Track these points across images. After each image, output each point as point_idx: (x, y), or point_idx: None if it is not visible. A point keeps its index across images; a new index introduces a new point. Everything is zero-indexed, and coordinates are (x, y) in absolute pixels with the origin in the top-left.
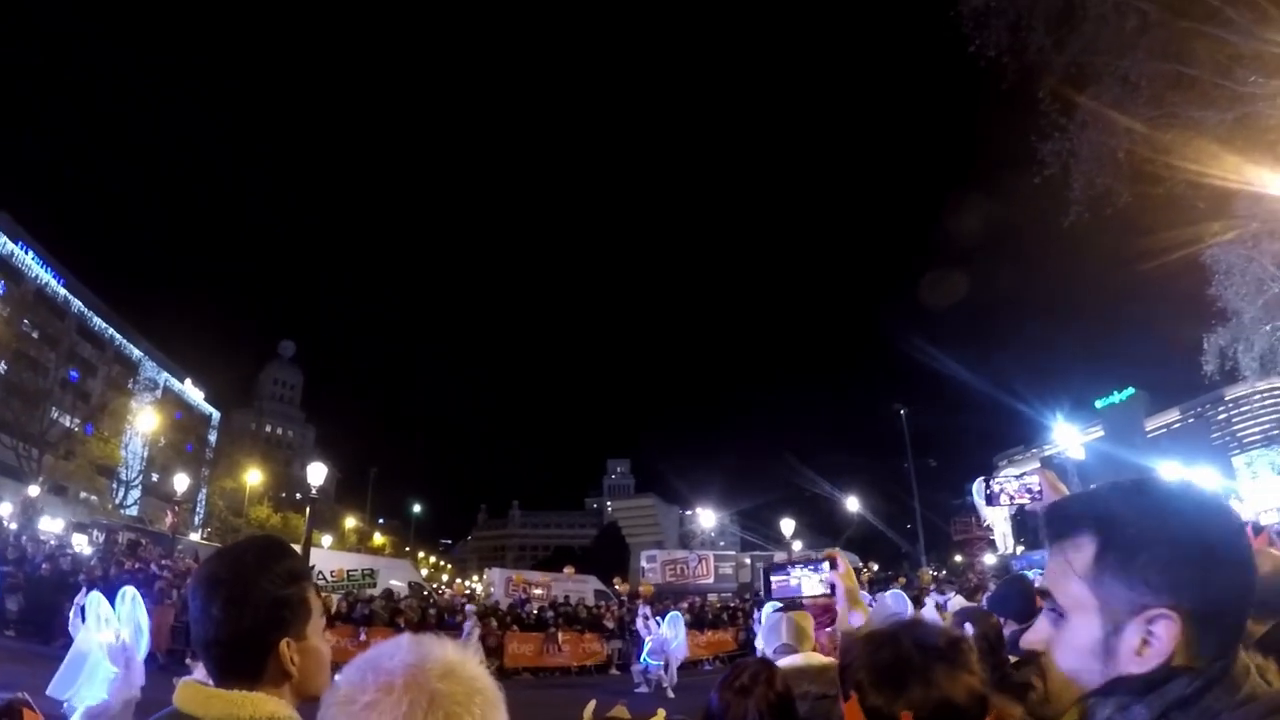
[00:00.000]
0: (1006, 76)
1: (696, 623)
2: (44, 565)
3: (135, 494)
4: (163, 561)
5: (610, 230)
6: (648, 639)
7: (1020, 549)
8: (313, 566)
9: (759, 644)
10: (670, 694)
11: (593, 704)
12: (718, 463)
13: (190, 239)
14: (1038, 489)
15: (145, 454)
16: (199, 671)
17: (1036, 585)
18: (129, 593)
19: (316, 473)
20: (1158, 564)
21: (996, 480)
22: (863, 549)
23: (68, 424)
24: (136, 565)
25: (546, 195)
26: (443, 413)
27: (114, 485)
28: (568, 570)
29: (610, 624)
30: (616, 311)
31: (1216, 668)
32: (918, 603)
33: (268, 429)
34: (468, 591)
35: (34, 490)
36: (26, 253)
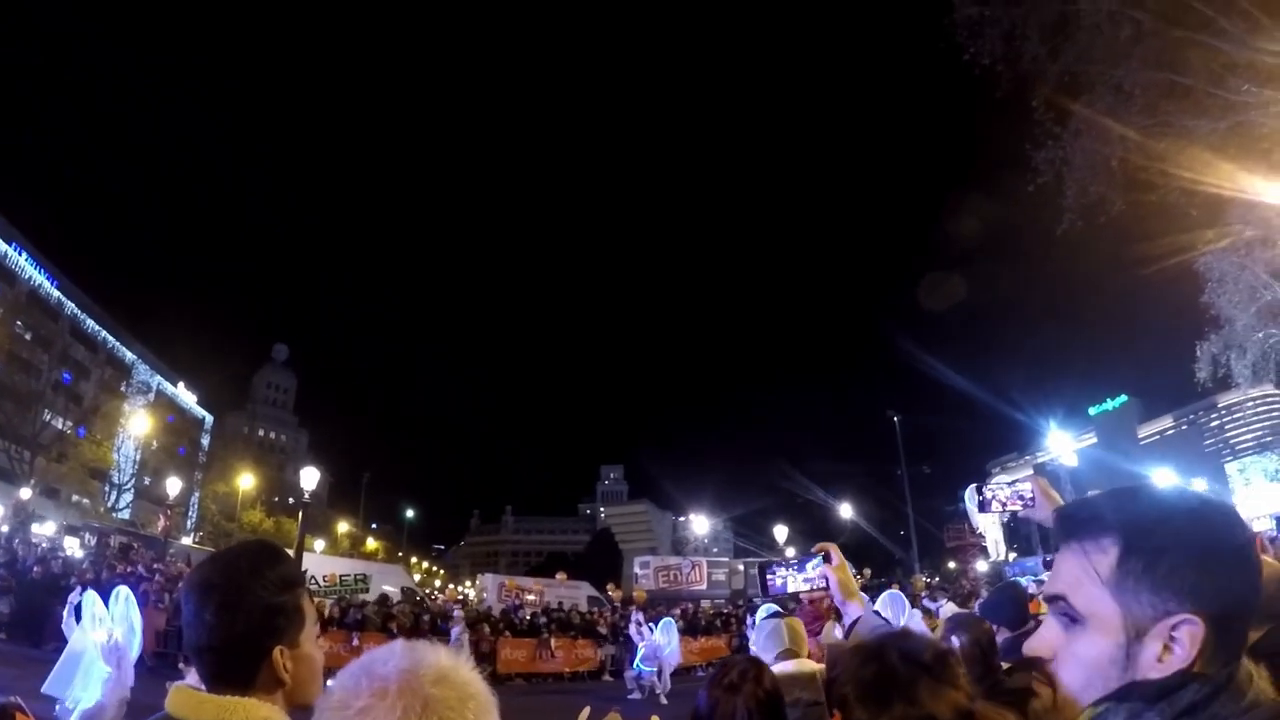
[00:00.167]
0: (1001, 85)
1: (690, 629)
2: (35, 568)
3: (127, 497)
4: (154, 565)
5: (608, 234)
6: (641, 645)
7: (1013, 556)
8: (305, 571)
9: (753, 649)
10: (663, 700)
11: (587, 710)
12: (711, 469)
13: (188, 240)
14: (1030, 496)
15: (138, 457)
16: (191, 676)
17: (1030, 592)
18: (122, 593)
19: (309, 477)
20: (1183, 569)
21: (989, 487)
22: (856, 555)
23: (60, 426)
24: (128, 569)
25: (544, 199)
26: (436, 418)
27: (106, 488)
28: (560, 576)
29: (603, 630)
30: (612, 318)
31: (1223, 674)
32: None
33: (261, 433)
34: (460, 597)
35: (26, 493)
36: (20, 254)
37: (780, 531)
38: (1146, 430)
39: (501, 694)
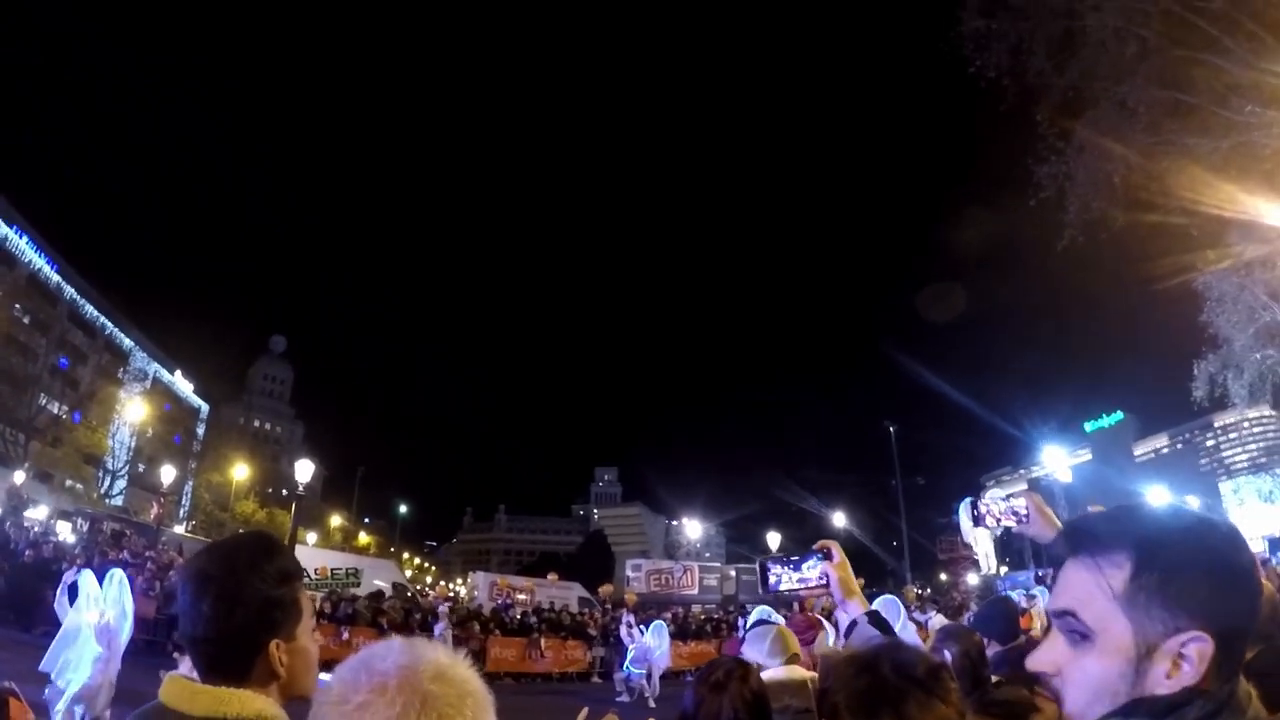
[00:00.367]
0: (1006, 98)
1: (680, 633)
2: (27, 552)
3: (121, 484)
4: (147, 553)
5: (608, 239)
6: (631, 647)
7: (1004, 570)
8: None
9: (744, 652)
10: (651, 703)
11: (585, 711)
12: (706, 474)
13: (188, 237)
14: (1025, 512)
15: (132, 444)
16: (184, 665)
17: (1021, 606)
18: (116, 575)
19: (304, 469)
20: (1194, 587)
21: (983, 502)
22: (849, 564)
23: (56, 411)
24: (121, 555)
25: (545, 201)
26: (431, 415)
27: (100, 474)
28: (552, 576)
29: (593, 631)
30: (612, 320)
31: (1225, 691)
32: None
33: (256, 424)
34: (451, 594)
35: (19, 476)
36: (21, 237)
37: (773, 538)
38: (1142, 448)
39: (491, 692)
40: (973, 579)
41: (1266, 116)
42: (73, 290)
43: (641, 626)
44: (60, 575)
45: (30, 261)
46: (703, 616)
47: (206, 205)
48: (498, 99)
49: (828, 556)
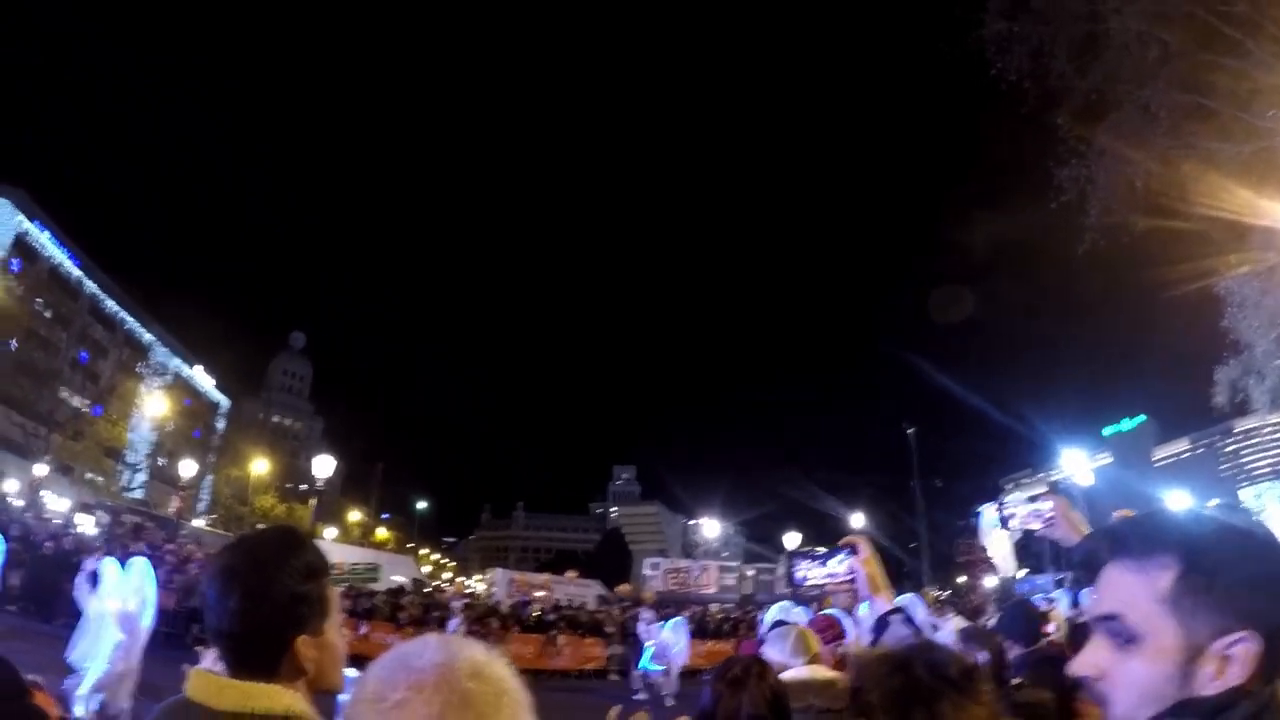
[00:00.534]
0: (1027, 101)
1: (698, 632)
2: (48, 544)
3: (141, 477)
4: (166, 545)
5: (625, 238)
6: (649, 644)
7: (1023, 573)
8: None
9: (765, 653)
10: (669, 701)
11: (618, 709)
12: (723, 473)
13: (193, 237)
14: (1049, 515)
15: (153, 438)
16: (207, 659)
17: (1042, 609)
18: (139, 562)
19: (323, 465)
20: (1239, 588)
21: (1008, 504)
22: None
23: (76, 404)
24: (141, 548)
25: (557, 197)
26: (449, 411)
27: (120, 468)
28: (571, 574)
29: (611, 629)
30: (632, 321)
31: (1267, 692)
32: None
33: (275, 419)
34: (468, 590)
35: (41, 469)
36: (43, 232)
37: (791, 538)
38: (1162, 452)
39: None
40: (990, 582)
41: None
42: (94, 285)
43: (660, 623)
44: (80, 566)
45: (51, 256)
46: (720, 616)
47: (207, 205)
48: (499, 99)
49: (855, 551)
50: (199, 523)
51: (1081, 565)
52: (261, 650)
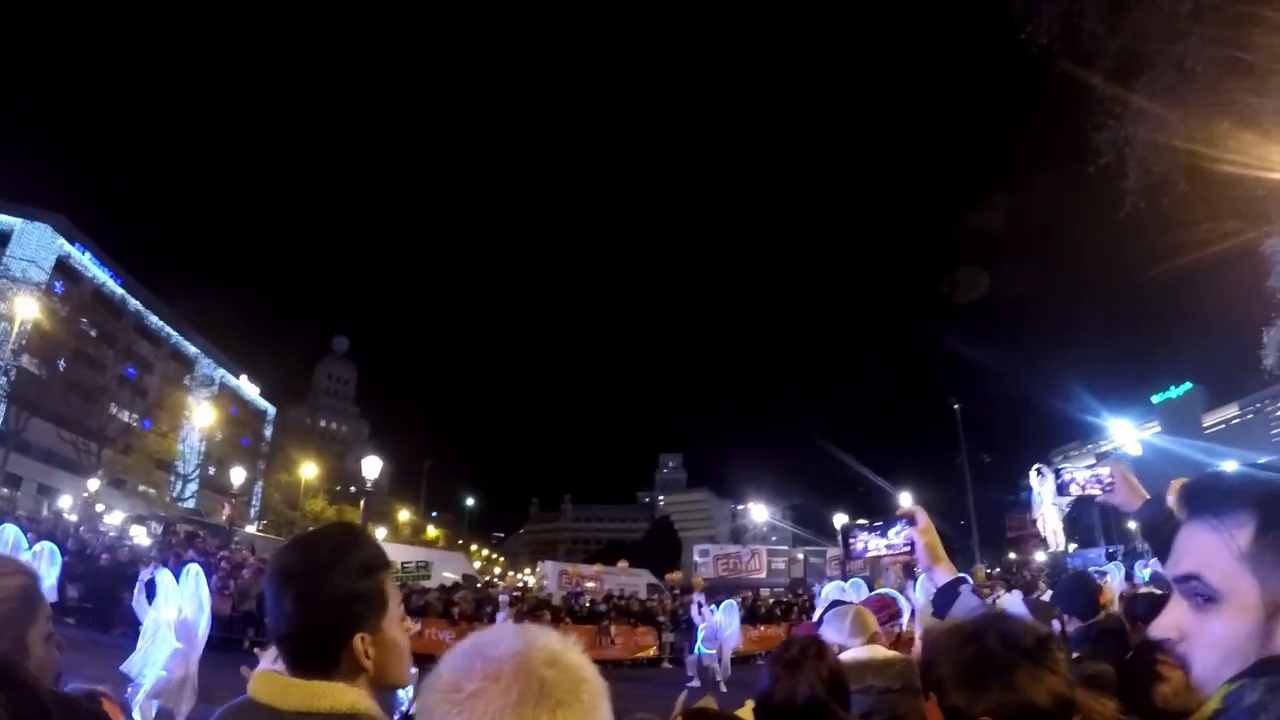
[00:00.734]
0: (1059, 63)
1: (749, 617)
2: (104, 556)
3: (193, 487)
4: (220, 552)
5: (674, 225)
6: (701, 626)
7: (1073, 547)
8: None
9: (823, 634)
10: (723, 688)
11: (684, 694)
12: (769, 458)
13: (199, 236)
14: (1109, 481)
15: (202, 448)
16: (266, 659)
17: (1104, 580)
18: (193, 569)
19: (371, 466)
20: None
21: (1067, 470)
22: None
23: (126, 419)
24: (194, 557)
25: (595, 181)
26: (494, 406)
27: (172, 479)
28: (622, 564)
29: (662, 618)
30: (674, 309)
31: None
32: None
33: (322, 423)
34: (520, 584)
35: (94, 484)
36: (84, 254)
37: (839, 519)
38: (1212, 419)
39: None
40: (1040, 557)
41: None
42: (137, 302)
43: (712, 606)
44: (136, 577)
45: (94, 276)
46: (771, 600)
47: (206, 205)
48: (507, 88)
49: (913, 522)
50: (251, 529)
51: (1144, 529)
52: (318, 650)
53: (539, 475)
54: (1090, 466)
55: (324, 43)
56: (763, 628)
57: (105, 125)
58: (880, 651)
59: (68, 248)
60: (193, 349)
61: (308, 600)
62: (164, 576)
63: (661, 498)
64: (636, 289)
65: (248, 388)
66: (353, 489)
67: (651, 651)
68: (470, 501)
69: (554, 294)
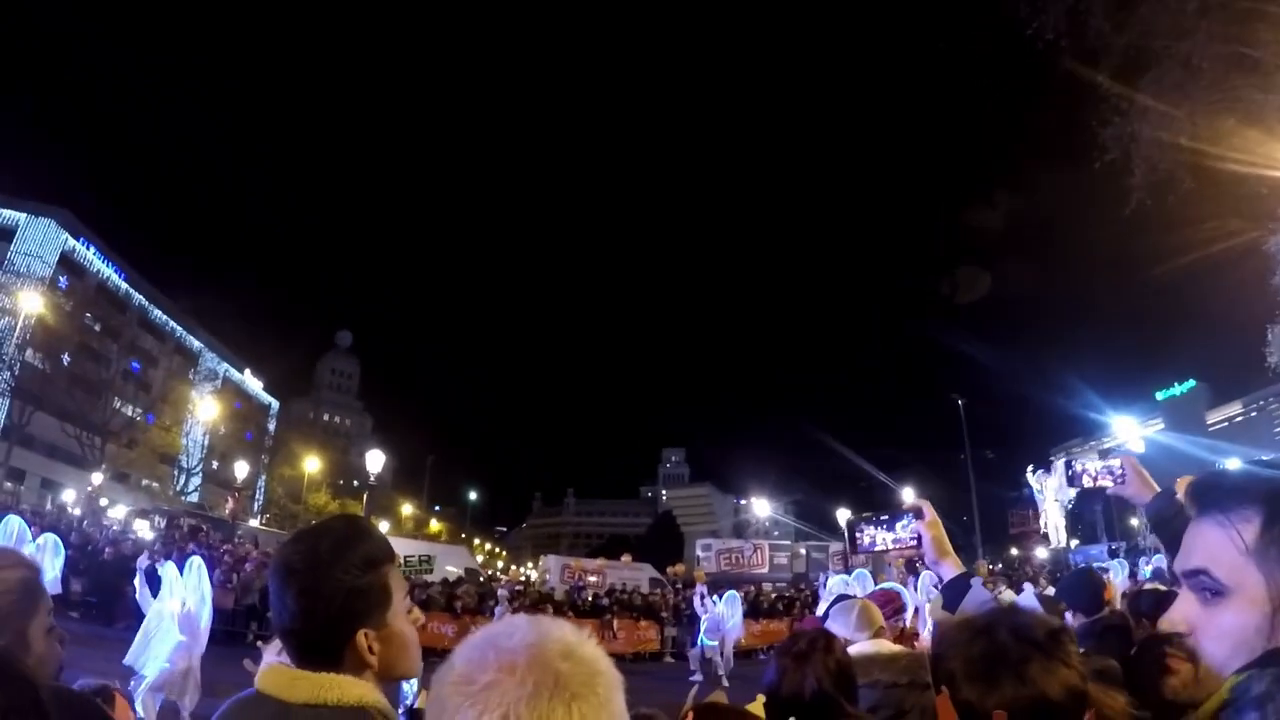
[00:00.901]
0: (1065, 60)
1: (752, 611)
2: (107, 550)
3: (196, 481)
4: (223, 546)
5: (671, 217)
6: (704, 617)
7: (1075, 543)
8: None
9: (829, 628)
10: (725, 682)
11: (695, 689)
12: (773, 453)
13: (201, 235)
14: (1121, 472)
15: (206, 442)
16: (269, 652)
17: (1106, 577)
18: (195, 562)
19: (374, 460)
20: None
21: (1078, 461)
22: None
23: (130, 413)
24: (197, 550)
25: (597, 178)
26: (497, 400)
27: (175, 472)
28: (626, 558)
29: (665, 612)
30: (676, 303)
31: None
32: None
33: (325, 418)
34: (522, 578)
35: (97, 478)
36: (88, 248)
37: (842, 515)
38: (1215, 416)
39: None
40: (1042, 553)
41: None
42: (141, 296)
43: (715, 597)
44: (137, 572)
45: (99, 271)
46: (774, 595)
47: (206, 205)
48: (505, 88)
49: (920, 516)
50: (254, 523)
51: (1154, 522)
52: (322, 645)
53: (542, 470)
54: (1103, 457)
55: (324, 43)
56: (765, 622)
57: (106, 125)
58: (886, 646)
59: (72, 242)
60: (196, 343)
61: (310, 596)
62: (168, 569)
63: (664, 492)
64: (641, 287)
65: (251, 382)
66: (356, 483)
67: (654, 646)
68: (473, 496)
69: (558, 291)
